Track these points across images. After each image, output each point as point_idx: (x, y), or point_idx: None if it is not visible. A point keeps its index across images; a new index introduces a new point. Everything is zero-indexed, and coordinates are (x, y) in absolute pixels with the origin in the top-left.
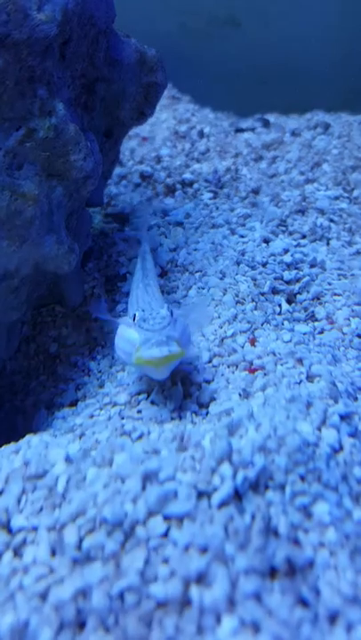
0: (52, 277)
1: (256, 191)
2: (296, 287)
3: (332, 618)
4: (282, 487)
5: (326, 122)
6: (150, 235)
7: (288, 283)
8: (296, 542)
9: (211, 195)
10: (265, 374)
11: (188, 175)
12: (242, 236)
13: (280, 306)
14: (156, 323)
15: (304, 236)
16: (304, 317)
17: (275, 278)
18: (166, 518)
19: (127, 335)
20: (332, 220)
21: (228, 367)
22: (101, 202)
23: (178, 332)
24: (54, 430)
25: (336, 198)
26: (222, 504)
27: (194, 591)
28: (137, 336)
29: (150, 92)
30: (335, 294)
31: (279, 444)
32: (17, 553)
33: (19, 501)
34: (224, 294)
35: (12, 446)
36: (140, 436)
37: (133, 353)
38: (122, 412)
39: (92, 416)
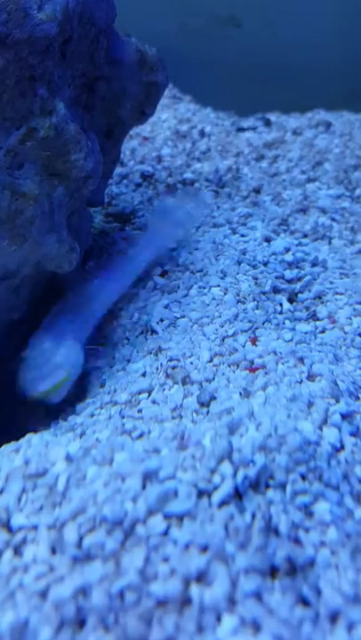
0: (53, 276)
1: (257, 190)
2: (298, 286)
3: (333, 617)
4: (283, 486)
5: (328, 120)
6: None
7: (289, 282)
8: (297, 541)
9: (212, 194)
10: (266, 373)
11: (189, 175)
12: (243, 236)
13: (281, 305)
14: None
15: (306, 235)
16: (305, 316)
17: (276, 277)
18: (166, 517)
19: None
20: (333, 219)
21: (229, 366)
22: (102, 201)
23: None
24: (55, 429)
25: (338, 197)
26: (223, 503)
27: (194, 590)
28: None
29: (151, 91)
30: (337, 293)
31: (280, 442)
32: (17, 551)
33: (19, 500)
34: (225, 294)
35: (12, 445)
36: (141, 435)
37: None
38: (122, 411)
39: (92, 415)
